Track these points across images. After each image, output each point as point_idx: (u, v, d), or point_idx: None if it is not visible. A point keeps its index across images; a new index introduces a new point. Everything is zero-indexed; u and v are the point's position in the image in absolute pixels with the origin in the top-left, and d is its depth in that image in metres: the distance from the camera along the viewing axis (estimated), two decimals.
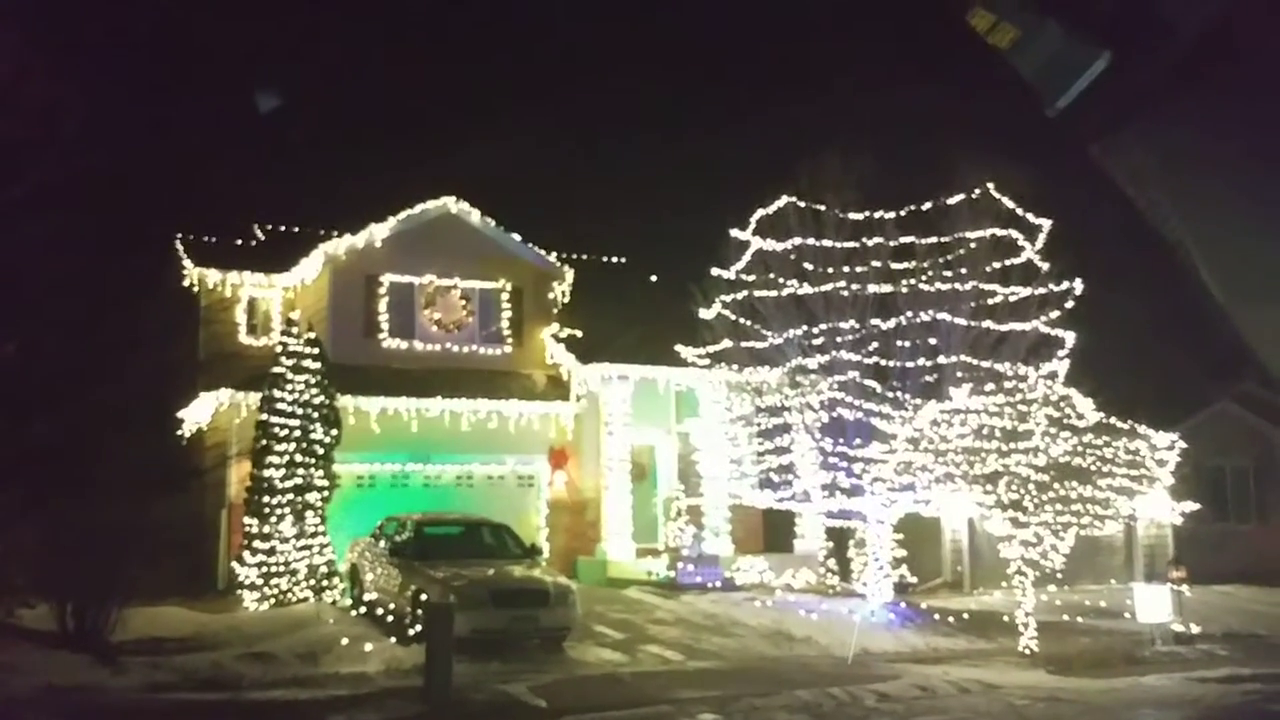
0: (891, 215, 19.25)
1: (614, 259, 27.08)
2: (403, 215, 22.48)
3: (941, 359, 19.11)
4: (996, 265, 19.33)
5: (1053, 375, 18.92)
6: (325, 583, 17.33)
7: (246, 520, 17.43)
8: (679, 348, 20.55)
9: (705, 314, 20.09)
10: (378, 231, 22.12)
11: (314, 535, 17.44)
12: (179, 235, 23.13)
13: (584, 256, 25.61)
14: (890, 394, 19.08)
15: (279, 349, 18.12)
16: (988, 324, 19.21)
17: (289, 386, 17.66)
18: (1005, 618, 18.45)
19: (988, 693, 13.39)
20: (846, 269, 19.20)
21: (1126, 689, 14.09)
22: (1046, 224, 19.46)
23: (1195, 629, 17.76)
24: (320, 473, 17.69)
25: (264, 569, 16.99)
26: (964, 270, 19.16)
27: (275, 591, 16.96)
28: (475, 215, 23.03)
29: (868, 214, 19.23)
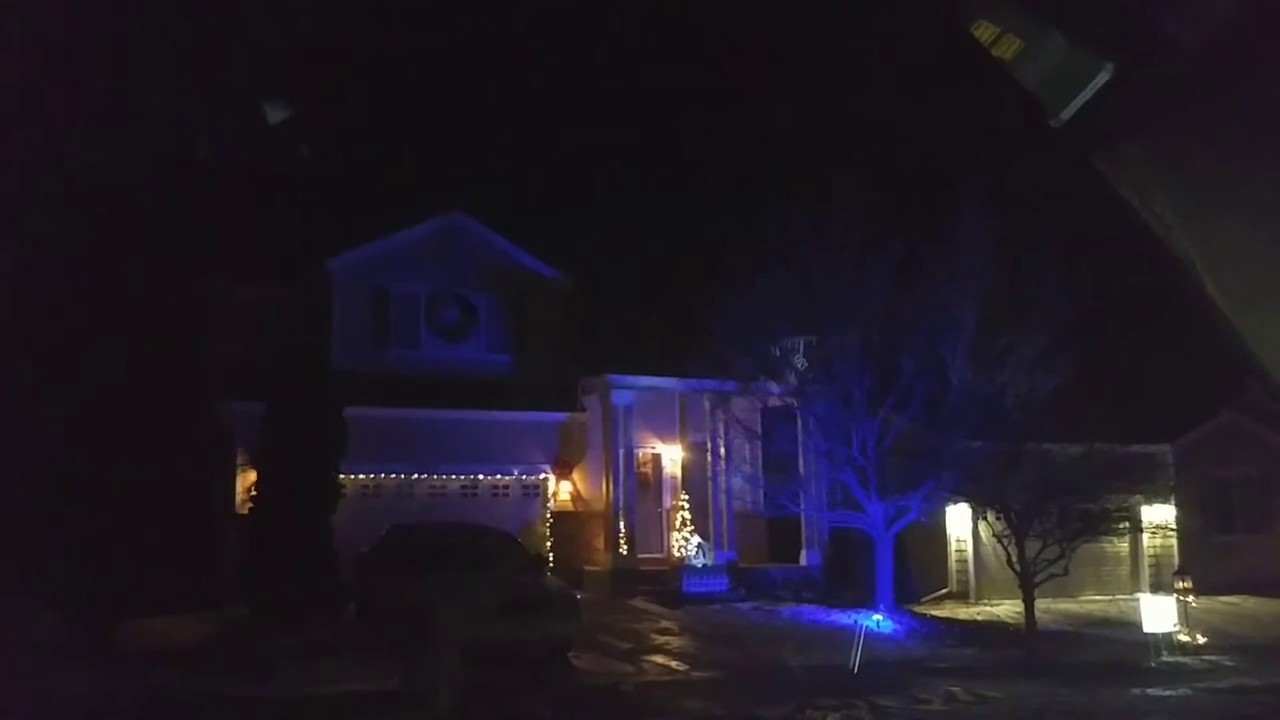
0: (897, 226, 19.27)
1: (620, 268, 27.10)
2: (409, 227, 22.57)
3: (947, 369, 19.13)
4: (1002, 276, 19.36)
5: (1058, 386, 18.94)
6: (331, 592, 17.32)
7: (252, 530, 17.44)
8: (685, 358, 20.57)
9: (712, 324, 20.11)
10: (384, 243, 22.20)
11: (319, 545, 17.43)
12: (186, 245, 23.18)
13: (590, 266, 25.63)
14: (895, 405, 19.10)
15: (285, 359, 18.14)
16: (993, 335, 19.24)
17: (295, 396, 17.68)
18: (1011, 628, 18.47)
19: (993, 703, 13.38)
20: (852, 280, 19.22)
21: (1132, 700, 14.06)
22: (1050, 235, 19.50)
23: (1201, 640, 17.73)
24: (325, 482, 17.70)
25: (270, 579, 16.97)
26: (969, 281, 19.18)
27: (281, 602, 16.95)
28: (482, 227, 23.11)
29: (874, 225, 19.26)
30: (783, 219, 19.63)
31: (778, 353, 20.60)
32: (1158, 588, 21.33)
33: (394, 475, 20.94)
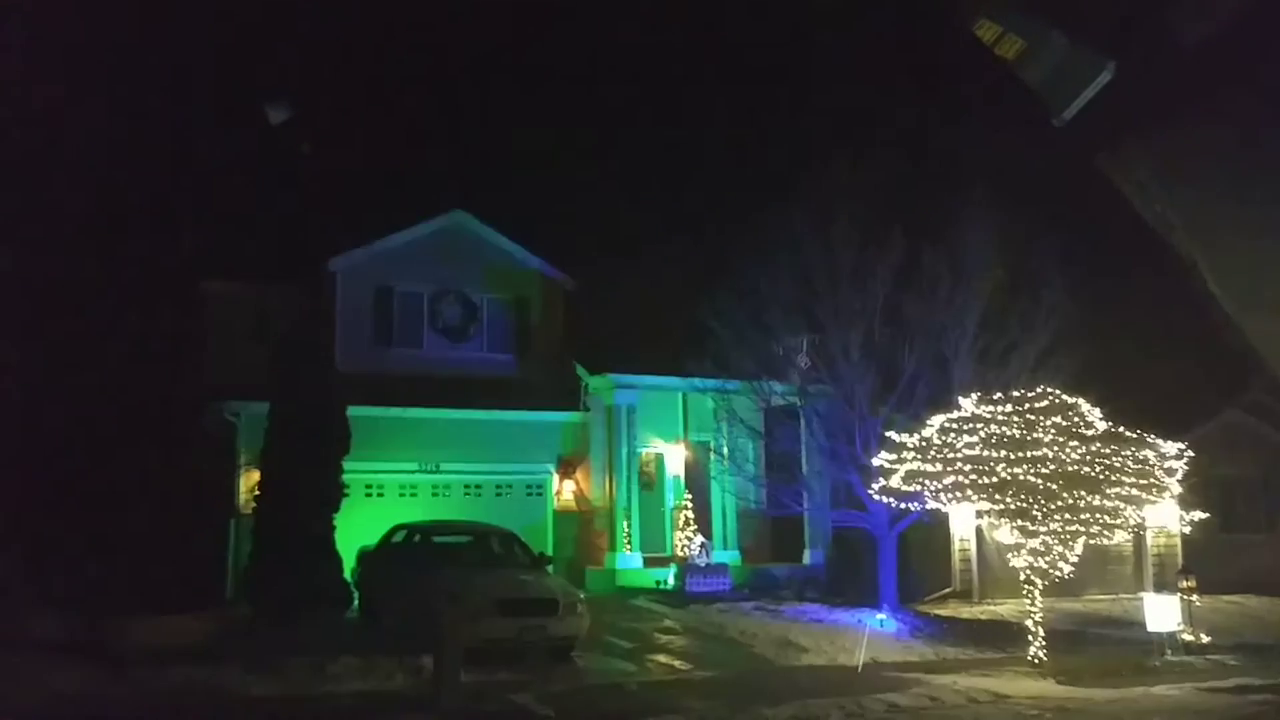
0: (899, 224, 19.23)
1: (623, 268, 27.07)
2: (411, 226, 22.58)
3: (950, 368, 19.09)
4: (1004, 275, 19.32)
5: (1061, 385, 18.89)
6: (333, 592, 17.31)
7: (255, 529, 17.43)
8: (688, 357, 20.55)
9: (715, 324, 20.07)
10: (387, 242, 22.21)
11: (322, 544, 17.42)
12: (186, 245, 23.16)
13: (593, 265, 25.61)
14: (898, 404, 19.06)
15: (287, 358, 18.12)
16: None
17: (297, 395, 17.66)
18: (1014, 627, 18.41)
19: (997, 702, 13.35)
20: (854, 279, 19.18)
21: (1136, 699, 14.03)
22: (1052, 234, 19.47)
23: (1205, 639, 17.68)
24: (328, 482, 17.69)
25: (272, 578, 16.96)
26: (971, 280, 19.14)
27: (283, 601, 16.94)
28: (484, 226, 23.11)
29: (875, 224, 19.22)
30: (785, 218, 19.59)
31: (780, 352, 20.57)
32: (1161, 587, 21.26)
33: (397, 474, 20.94)
